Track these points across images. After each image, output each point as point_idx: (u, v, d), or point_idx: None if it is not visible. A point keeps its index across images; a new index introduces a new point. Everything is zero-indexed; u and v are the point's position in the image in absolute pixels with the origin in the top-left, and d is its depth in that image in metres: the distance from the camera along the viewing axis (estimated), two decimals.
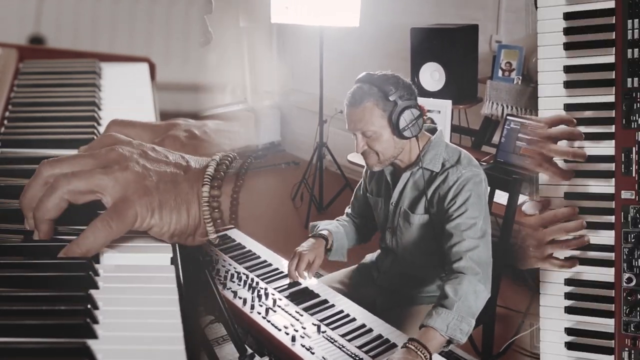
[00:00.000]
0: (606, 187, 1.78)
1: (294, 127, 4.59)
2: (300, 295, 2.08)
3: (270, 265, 2.27)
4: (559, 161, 1.85)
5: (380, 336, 1.88)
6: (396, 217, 2.17)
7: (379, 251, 2.34)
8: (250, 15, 4.33)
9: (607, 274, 1.78)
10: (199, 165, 1.24)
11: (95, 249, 1.15)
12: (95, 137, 1.58)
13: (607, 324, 1.78)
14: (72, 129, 1.64)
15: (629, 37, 1.73)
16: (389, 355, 1.79)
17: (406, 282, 2.24)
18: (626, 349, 1.75)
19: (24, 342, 0.95)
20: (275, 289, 2.11)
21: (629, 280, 1.74)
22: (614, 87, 1.75)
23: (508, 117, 2.93)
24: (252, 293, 2.07)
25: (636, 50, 1.72)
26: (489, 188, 2.16)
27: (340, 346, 1.83)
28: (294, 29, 4.20)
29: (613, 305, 1.77)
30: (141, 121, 1.44)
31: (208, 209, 1.20)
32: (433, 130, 2.15)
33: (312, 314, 1.98)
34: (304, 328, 1.90)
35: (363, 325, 1.93)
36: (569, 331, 1.83)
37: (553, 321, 1.85)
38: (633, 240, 1.74)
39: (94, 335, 0.97)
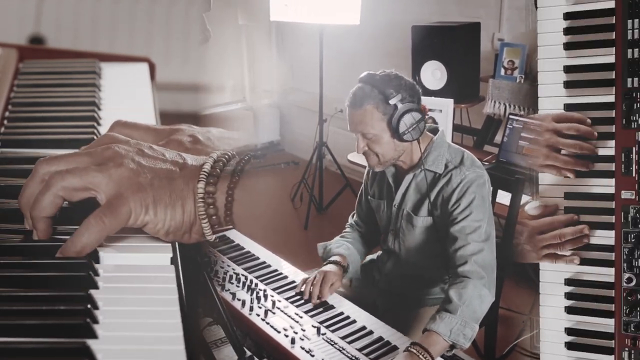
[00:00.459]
0: (606, 187, 1.78)
1: (293, 127, 4.58)
2: (299, 297, 2.06)
3: (269, 266, 2.25)
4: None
5: (381, 338, 1.86)
6: (399, 219, 2.15)
7: (379, 252, 2.32)
8: (249, 13, 4.32)
9: (607, 274, 1.78)
10: (196, 163, 1.24)
11: (90, 245, 1.15)
12: (95, 137, 1.58)
13: (607, 324, 1.78)
14: (72, 129, 1.64)
15: (629, 37, 1.73)
16: (390, 359, 1.78)
17: (408, 284, 2.22)
18: (626, 349, 1.75)
19: (24, 342, 0.95)
20: (274, 290, 2.09)
21: (629, 280, 1.74)
22: (614, 87, 1.75)
23: (511, 116, 2.91)
24: (251, 295, 2.05)
25: (636, 50, 1.72)
26: (492, 188, 2.14)
27: (341, 349, 1.81)
28: (294, 27, 4.18)
29: (613, 305, 1.77)
30: (145, 124, 1.44)
31: (203, 205, 1.21)
32: (435, 131, 2.12)
33: (312, 316, 1.96)
34: (304, 330, 1.88)
35: (364, 328, 1.91)
36: (569, 331, 1.83)
37: (553, 321, 1.85)
38: (633, 240, 1.74)
39: (94, 335, 0.97)
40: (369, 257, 2.36)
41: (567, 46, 1.82)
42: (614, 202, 1.76)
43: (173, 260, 1.19)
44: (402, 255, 2.19)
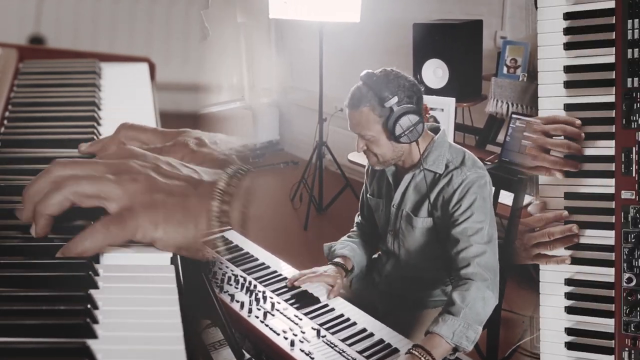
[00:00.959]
0: (606, 187, 1.78)
1: (292, 126, 4.58)
2: (299, 299, 2.05)
3: (268, 267, 2.23)
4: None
5: (381, 341, 1.85)
6: (398, 220, 2.12)
7: (379, 254, 2.31)
8: (248, 11, 4.31)
9: (607, 274, 1.78)
10: (211, 179, 1.24)
11: (91, 250, 1.15)
12: (95, 137, 1.58)
13: (607, 324, 1.78)
14: (72, 129, 1.64)
15: (629, 37, 1.73)
16: None
17: (409, 286, 2.20)
18: (626, 349, 1.75)
19: (24, 342, 0.95)
20: (273, 292, 2.08)
21: (629, 280, 1.74)
22: (614, 87, 1.75)
23: (513, 115, 2.90)
24: (250, 296, 2.04)
25: (636, 50, 1.72)
26: (493, 189, 2.13)
27: (341, 351, 1.80)
28: (293, 24, 4.17)
29: (613, 305, 1.77)
30: (152, 127, 1.44)
31: (218, 224, 1.21)
32: (436, 130, 2.10)
33: (311, 318, 1.95)
34: (303, 332, 1.87)
35: (364, 330, 1.90)
36: (569, 331, 1.83)
37: (553, 321, 1.85)
38: (633, 240, 1.74)
39: (93, 335, 0.97)
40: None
41: (567, 46, 1.82)
42: (614, 202, 1.76)
43: (173, 260, 1.19)
44: (402, 256, 2.17)
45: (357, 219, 2.39)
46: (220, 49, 4.12)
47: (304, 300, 2.05)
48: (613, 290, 1.77)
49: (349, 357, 1.78)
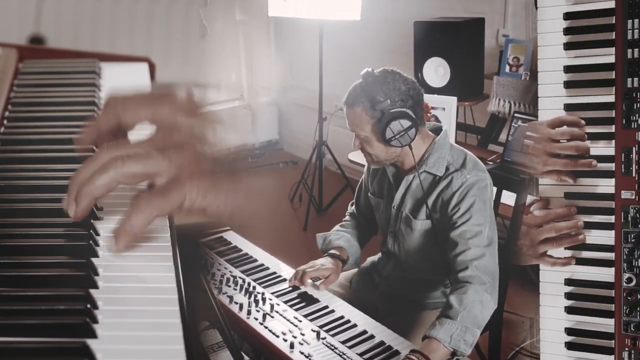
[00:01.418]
0: (606, 187, 1.78)
1: (292, 125, 4.57)
2: (299, 301, 2.04)
3: (267, 268, 2.22)
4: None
5: (382, 343, 1.84)
6: (398, 221, 2.11)
7: (380, 254, 2.30)
8: (247, 9, 4.30)
9: (607, 274, 1.78)
10: None
11: (138, 225, 1.15)
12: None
13: (607, 324, 1.78)
14: (72, 129, 1.63)
15: (629, 37, 1.73)
16: None
17: (409, 288, 2.19)
18: (626, 349, 1.75)
19: (24, 341, 0.95)
20: (272, 293, 2.07)
21: (629, 280, 1.74)
22: (614, 87, 1.75)
23: (516, 115, 2.88)
24: (249, 298, 2.03)
25: (636, 50, 1.72)
26: (495, 190, 2.11)
27: (341, 353, 1.79)
28: (293, 22, 4.16)
29: (613, 305, 1.77)
30: (138, 91, 1.43)
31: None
32: (438, 130, 2.09)
33: (311, 320, 1.94)
34: (303, 334, 1.86)
35: (364, 332, 1.89)
36: (569, 331, 1.83)
37: (553, 321, 1.85)
38: (633, 240, 1.74)
39: (93, 335, 0.97)
40: (369, 260, 2.33)
41: (567, 46, 1.82)
42: (614, 202, 1.76)
43: (173, 261, 1.19)
44: (402, 257, 2.16)
45: (351, 208, 2.38)
46: (219, 48, 4.11)
47: (303, 301, 2.04)
48: (613, 290, 1.77)
49: None
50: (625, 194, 1.75)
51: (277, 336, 1.85)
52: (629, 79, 1.73)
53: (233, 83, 4.47)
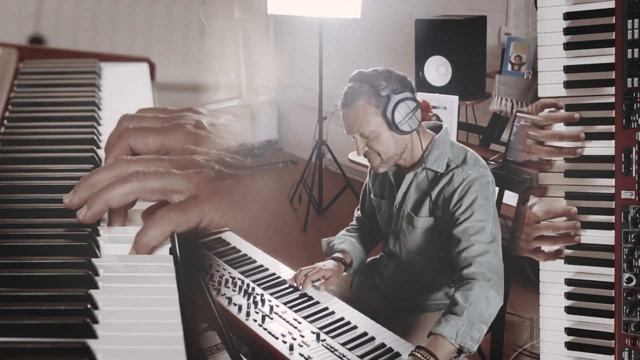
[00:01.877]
0: (606, 187, 1.78)
1: (291, 124, 4.56)
2: (298, 302, 2.01)
3: (266, 270, 2.20)
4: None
5: (383, 345, 1.82)
6: (400, 220, 2.10)
7: (381, 255, 2.29)
8: (246, 7, 4.29)
9: (607, 274, 1.78)
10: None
11: (155, 239, 1.17)
12: (95, 137, 1.58)
13: (607, 324, 1.78)
14: (72, 129, 1.64)
15: (629, 37, 1.73)
16: None
17: (411, 289, 2.17)
18: (626, 349, 1.75)
19: (24, 342, 0.95)
20: (272, 295, 2.04)
21: (629, 280, 1.74)
22: (614, 87, 1.76)
23: (518, 114, 2.85)
24: (248, 299, 2.00)
25: (636, 50, 1.72)
26: (497, 189, 2.08)
27: (341, 355, 1.77)
28: (292, 20, 4.15)
29: (613, 305, 1.77)
30: (152, 113, 1.44)
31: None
32: (438, 128, 2.08)
33: (311, 322, 1.91)
34: (303, 336, 1.84)
35: (365, 334, 1.87)
36: (569, 331, 1.83)
37: (553, 321, 1.85)
38: (633, 240, 1.74)
39: (93, 335, 0.97)
40: (370, 259, 2.32)
41: (567, 46, 1.82)
42: (614, 202, 1.76)
43: (174, 261, 1.19)
44: (404, 258, 2.14)
45: (357, 213, 2.37)
46: (218, 46, 4.10)
47: (303, 303, 2.02)
48: (613, 290, 1.77)
49: None
50: (625, 194, 1.75)
51: (277, 338, 1.83)
52: (629, 79, 1.73)
53: (232, 82, 4.46)
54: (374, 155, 2.01)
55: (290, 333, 1.85)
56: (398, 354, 1.79)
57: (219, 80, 4.15)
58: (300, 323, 1.91)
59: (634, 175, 1.74)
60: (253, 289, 2.07)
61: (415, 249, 2.10)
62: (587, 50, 1.80)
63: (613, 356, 1.77)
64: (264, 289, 2.09)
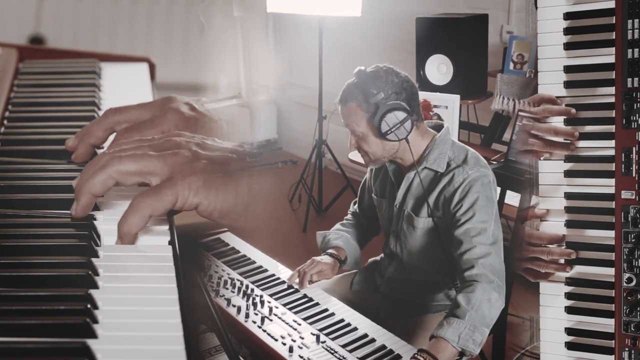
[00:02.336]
0: (606, 187, 1.78)
1: (291, 124, 4.54)
2: (298, 303, 2.00)
3: (266, 271, 2.18)
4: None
5: (383, 347, 1.81)
6: (400, 220, 2.08)
7: (382, 256, 2.28)
8: (244, 4, 4.28)
9: (607, 274, 1.78)
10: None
11: (135, 226, 1.18)
12: None
13: (607, 324, 1.78)
14: (72, 129, 1.64)
15: (629, 37, 1.73)
16: None
17: (411, 290, 2.16)
18: (626, 349, 1.75)
19: (24, 341, 0.95)
20: (271, 296, 2.03)
21: (629, 280, 1.74)
22: (614, 87, 1.75)
23: (520, 113, 2.84)
24: (247, 301, 1.99)
25: (636, 50, 1.72)
26: (499, 189, 2.07)
27: (341, 357, 1.76)
28: (292, 18, 4.13)
29: (613, 305, 1.77)
30: (136, 104, 1.45)
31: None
32: (439, 127, 2.07)
33: (311, 323, 1.90)
34: (302, 338, 1.83)
35: (365, 335, 1.86)
36: (569, 331, 1.83)
37: (553, 321, 1.85)
38: (633, 240, 1.74)
39: (93, 335, 0.97)
40: (371, 260, 2.31)
41: (567, 46, 1.82)
42: (614, 202, 1.76)
43: (173, 261, 1.19)
44: (404, 258, 2.13)
45: (353, 207, 2.36)
46: (217, 45, 4.09)
47: (303, 304, 2.00)
48: (613, 290, 1.77)
49: None
50: (625, 194, 1.75)
51: (276, 340, 1.82)
52: (629, 79, 1.73)
53: (231, 81, 4.44)
54: (363, 153, 2.04)
55: (289, 335, 1.84)
56: (399, 356, 1.78)
57: (219, 79, 4.14)
58: (300, 324, 1.90)
59: (634, 175, 1.74)
60: (252, 290, 2.06)
61: (415, 250, 2.09)
62: (587, 50, 1.80)
63: (613, 356, 1.77)
64: (263, 290, 2.07)
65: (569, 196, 1.83)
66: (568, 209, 1.84)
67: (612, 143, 1.76)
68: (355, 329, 1.89)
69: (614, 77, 1.75)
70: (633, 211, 1.74)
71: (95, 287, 1.08)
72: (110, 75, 2.04)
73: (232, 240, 2.35)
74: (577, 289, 1.83)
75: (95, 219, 1.25)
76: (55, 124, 1.66)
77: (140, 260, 1.19)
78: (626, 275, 1.74)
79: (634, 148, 1.74)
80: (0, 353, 0.93)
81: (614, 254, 1.76)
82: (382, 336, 1.86)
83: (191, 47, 3.45)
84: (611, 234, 1.77)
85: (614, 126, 1.76)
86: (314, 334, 1.85)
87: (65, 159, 1.45)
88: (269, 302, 2.00)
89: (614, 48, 1.75)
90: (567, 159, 1.83)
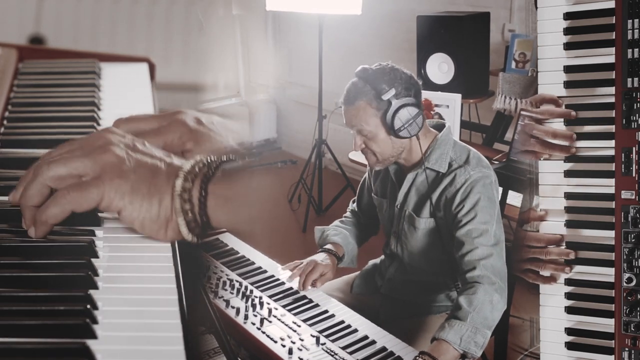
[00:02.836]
0: (606, 187, 1.78)
1: (291, 123, 4.53)
2: (298, 305, 1.99)
3: (265, 272, 2.17)
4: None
5: (384, 349, 1.80)
6: (401, 220, 2.07)
7: (382, 257, 2.27)
8: (243, 3, 4.27)
9: (607, 274, 1.78)
10: (180, 163, 1.26)
11: (54, 217, 1.17)
12: None
13: (607, 324, 1.78)
14: (72, 129, 1.64)
15: (629, 37, 1.73)
16: None
17: (412, 291, 2.14)
18: (626, 349, 1.75)
19: (24, 342, 0.95)
20: (270, 297, 2.01)
21: (629, 280, 1.74)
22: (614, 87, 1.76)
23: (522, 112, 2.83)
24: (246, 302, 1.97)
25: (636, 50, 1.72)
26: (501, 189, 2.06)
27: (341, 359, 1.77)
28: (291, 17, 4.12)
29: (613, 305, 1.77)
30: (145, 114, 1.45)
31: (179, 201, 1.22)
32: (441, 127, 2.05)
33: (310, 325, 1.89)
34: (302, 340, 1.82)
35: (366, 337, 1.84)
36: (569, 331, 1.83)
37: (553, 321, 1.85)
38: (633, 240, 1.74)
39: (93, 336, 0.97)
40: (371, 262, 2.30)
41: (567, 46, 1.82)
42: (614, 202, 1.76)
43: (173, 260, 1.19)
44: (405, 259, 2.12)
45: (352, 205, 2.35)
46: (215, 43, 4.08)
47: (302, 306, 1.99)
48: (613, 290, 1.77)
49: None
50: (625, 194, 1.75)
51: (275, 342, 1.81)
52: (629, 79, 1.73)
53: (229, 80, 4.43)
54: (370, 154, 2.00)
55: (289, 336, 1.83)
56: (399, 358, 1.77)
57: (217, 78, 4.13)
58: (299, 326, 1.89)
59: (634, 175, 1.74)
60: (251, 291, 2.05)
61: (416, 250, 2.08)
62: (587, 50, 1.80)
63: (613, 356, 1.77)
64: (263, 291, 2.06)
65: (569, 196, 1.84)
66: (568, 209, 1.84)
67: (612, 143, 1.76)
68: (356, 330, 1.88)
69: (614, 77, 1.76)
70: (633, 211, 1.74)
71: (95, 287, 1.09)
72: (110, 76, 2.05)
73: (231, 241, 2.34)
74: (577, 289, 1.83)
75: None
76: (55, 124, 1.66)
77: (140, 260, 1.19)
78: (626, 275, 1.75)
79: (634, 148, 1.74)
80: (0, 353, 0.93)
81: (614, 254, 1.76)
82: (383, 338, 1.84)
83: (191, 47, 3.45)
84: (611, 234, 1.77)
85: (614, 126, 1.76)
86: (313, 336, 1.83)
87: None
88: (269, 304, 1.98)
89: (614, 48, 1.75)
90: (567, 159, 1.84)
